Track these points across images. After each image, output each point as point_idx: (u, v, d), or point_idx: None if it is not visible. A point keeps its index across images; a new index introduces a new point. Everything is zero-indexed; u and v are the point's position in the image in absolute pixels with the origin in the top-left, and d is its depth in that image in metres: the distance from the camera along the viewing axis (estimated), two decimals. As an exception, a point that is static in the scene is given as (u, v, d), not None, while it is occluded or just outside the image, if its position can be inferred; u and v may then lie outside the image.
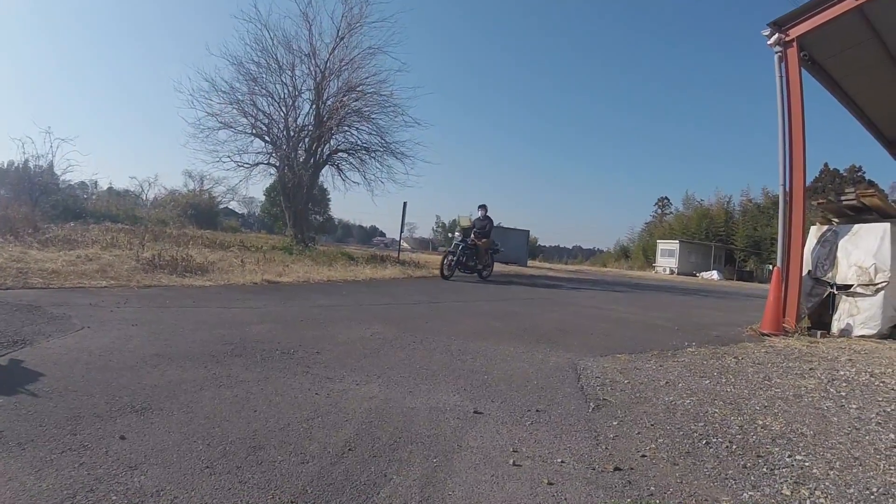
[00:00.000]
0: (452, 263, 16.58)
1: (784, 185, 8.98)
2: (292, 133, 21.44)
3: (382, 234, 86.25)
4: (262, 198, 30.46)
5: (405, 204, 21.93)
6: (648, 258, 47.80)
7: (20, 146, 26.05)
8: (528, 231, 39.70)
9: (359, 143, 22.04)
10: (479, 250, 17.31)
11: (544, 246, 73.02)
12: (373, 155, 21.94)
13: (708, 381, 5.14)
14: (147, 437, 3.05)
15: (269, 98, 21.30)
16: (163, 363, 4.49)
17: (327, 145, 22.00)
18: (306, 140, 21.56)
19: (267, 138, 21.54)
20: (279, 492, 2.59)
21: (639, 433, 3.66)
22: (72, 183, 26.10)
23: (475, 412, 3.89)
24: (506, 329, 7.46)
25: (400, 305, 9.20)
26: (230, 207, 30.08)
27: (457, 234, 17.11)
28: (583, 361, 5.75)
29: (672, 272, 35.70)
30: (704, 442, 3.54)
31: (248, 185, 26.21)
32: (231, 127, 20.87)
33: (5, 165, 25.53)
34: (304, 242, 20.80)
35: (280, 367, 4.67)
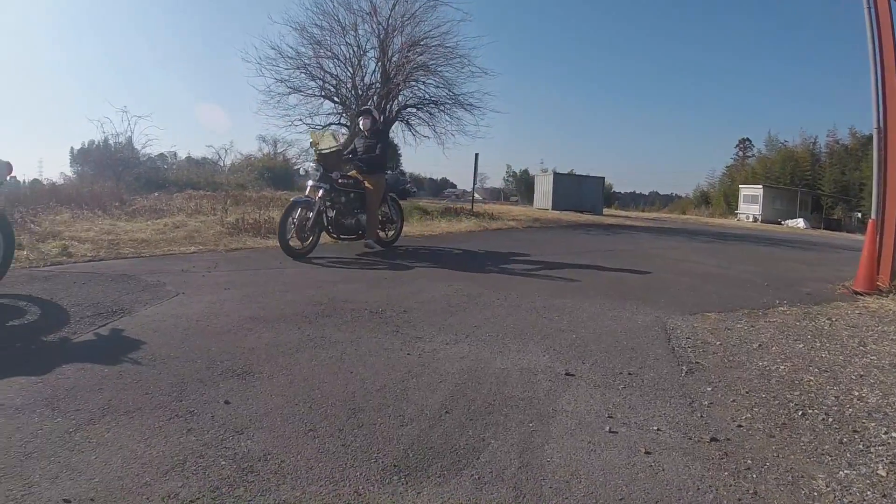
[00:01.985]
0: (307, 224, 8.53)
1: (878, 124, 8.11)
2: (360, 92, 21.38)
3: (453, 186, 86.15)
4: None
5: (476, 155, 21.70)
6: (730, 205, 45.62)
7: (99, 126, 27.16)
8: (603, 178, 38.87)
9: (427, 97, 21.80)
10: (364, 198, 9.48)
11: (619, 193, 71.13)
12: (442, 108, 21.62)
13: (801, 345, 4.94)
14: (250, 401, 3.15)
15: (335, 60, 21.28)
16: (258, 326, 4.62)
17: (395, 101, 21.87)
18: (374, 98, 21.46)
19: (336, 99, 21.61)
20: (381, 455, 2.64)
21: (734, 401, 3.57)
22: (152, 155, 26.81)
23: (567, 374, 3.88)
24: (589, 285, 7.35)
25: (475, 258, 9.25)
26: (304, 167, 30.19)
27: (311, 167, 10.13)
28: (671, 320, 5.63)
29: (755, 220, 34.13)
30: (800, 413, 3.42)
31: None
32: (300, 91, 21.01)
33: (86, 145, 26.40)
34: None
35: (370, 328, 4.75)
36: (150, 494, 2.26)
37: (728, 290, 7.57)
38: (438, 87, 21.38)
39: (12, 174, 5.64)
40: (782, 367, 4.29)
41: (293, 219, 8.53)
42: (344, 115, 21.70)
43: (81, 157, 27.48)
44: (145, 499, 2.23)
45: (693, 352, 4.58)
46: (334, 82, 21.43)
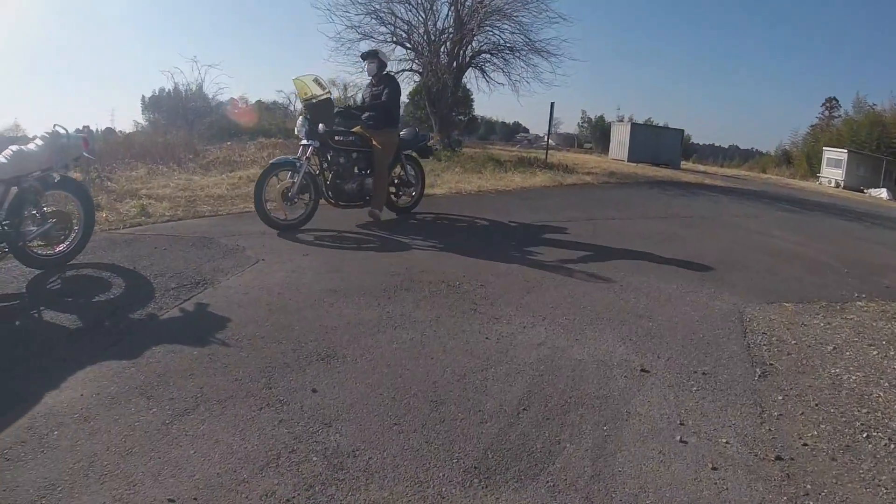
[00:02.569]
0: (291, 190, 7.36)
1: None
2: (433, 38, 21.21)
3: (525, 131, 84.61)
4: (406, 99, 30.48)
5: (552, 105, 21.28)
6: (812, 167, 43.33)
7: (170, 77, 27.39)
8: (682, 131, 37.67)
9: (501, 43, 21.45)
10: (372, 156, 8.12)
11: (697, 144, 68.48)
12: (517, 55, 21.25)
13: (876, 352, 4.73)
14: (336, 388, 3.27)
15: (406, 4, 21.03)
16: (338, 301, 4.76)
17: (469, 47, 21.60)
18: (447, 44, 21.28)
19: (408, 45, 21.49)
20: (462, 455, 2.73)
21: (803, 414, 3.52)
22: (223, 101, 27.17)
23: (642, 370, 3.90)
24: (667, 259, 7.22)
25: (551, 223, 9.11)
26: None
27: (299, 122, 7.93)
28: (749, 309, 5.51)
29: (837, 185, 32.38)
30: (865, 435, 3.32)
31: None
32: (371, 37, 20.85)
33: (157, 93, 26.92)
34: (451, 147, 20.87)
35: (448, 304, 4.83)
36: (249, 493, 2.39)
37: (807, 276, 7.30)
38: (514, 32, 21.02)
39: (90, 149, 5.82)
40: (853, 378, 4.17)
41: (277, 185, 7.48)
42: (416, 61, 21.63)
43: (153, 105, 27.99)
44: (245, 497, 2.37)
45: (768, 350, 4.51)
46: (406, 28, 21.23)
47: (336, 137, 7.86)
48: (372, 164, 8.13)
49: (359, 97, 27.69)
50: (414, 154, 9.19)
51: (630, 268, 6.62)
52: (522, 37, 21.00)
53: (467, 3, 20.78)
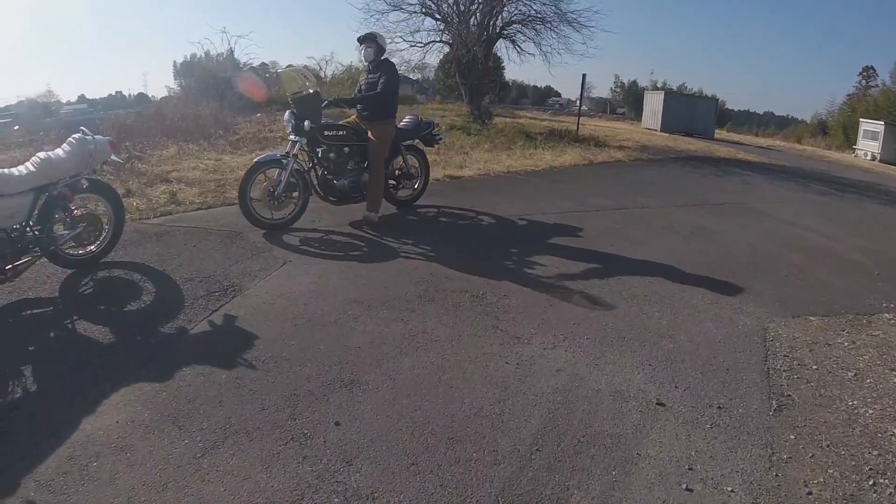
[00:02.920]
0: (277, 189, 7.08)
1: None
2: (462, 8, 21.12)
3: (557, 95, 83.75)
4: (436, 63, 30.29)
5: (584, 77, 21.09)
6: (848, 137, 42.18)
7: (200, 47, 27.80)
8: (717, 100, 37.10)
9: (532, 13, 21.24)
10: (368, 151, 7.78)
11: (732, 110, 66.92)
12: (548, 25, 21.06)
13: None
14: (357, 422, 3.41)
15: (436, -27, 21.00)
16: (363, 314, 4.90)
17: (499, 18, 21.45)
18: (478, 14, 21.17)
19: (437, 16, 21.47)
20: (473, 500, 2.87)
21: (812, 456, 3.52)
22: (254, 66, 27.18)
23: (658, 403, 3.95)
24: (694, 260, 7.20)
25: (580, 215, 9.07)
26: (404, 75, 30.03)
27: (286, 116, 7.51)
28: (772, 325, 5.48)
29: (873, 158, 31.27)
30: (871, 482, 3.32)
31: (423, 63, 26.35)
32: (400, 8, 20.95)
33: (189, 58, 27.02)
34: (482, 119, 20.84)
35: (470, 319, 4.94)
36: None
37: (835, 279, 7.19)
38: (545, 3, 20.84)
39: (117, 150, 5.97)
40: (870, 412, 4.12)
41: (264, 182, 7.13)
42: (446, 31, 21.55)
43: (185, 70, 28.07)
44: (270, 541, 2.54)
45: (788, 378, 4.51)
46: (435, -2, 21.16)
47: (325, 132, 7.51)
48: (365, 157, 7.83)
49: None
50: (418, 144, 8.91)
51: (657, 272, 6.64)
52: (553, 7, 20.85)
53: (497, -28, 20.59)
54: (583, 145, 18.00)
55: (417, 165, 8.87)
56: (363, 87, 7.95)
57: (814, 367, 4.76)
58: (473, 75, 21.83)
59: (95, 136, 5.49)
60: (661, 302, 5.76)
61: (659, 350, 4.75)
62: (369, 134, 7.67)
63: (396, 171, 8.61)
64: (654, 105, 33.69)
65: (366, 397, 3.69)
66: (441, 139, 9.41)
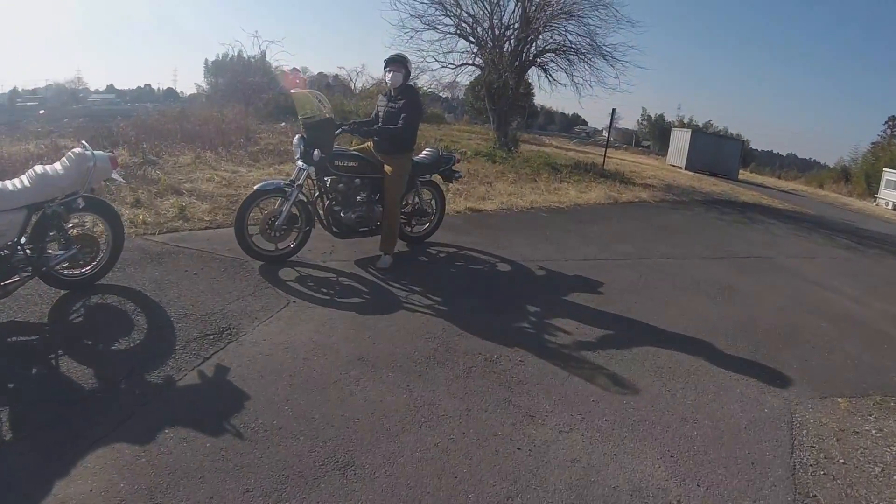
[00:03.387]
0: (277, 220, 6.62)
1: None
2: (497, 32, 20.85)
3: (584, 123, 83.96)
4: (466, 82, 30.04)
5: (614, 111, 20.97)
6: (870, 185, 41.56)
7: (230, 49, 27.54)
8: (743, 141, 36.75)
9: (566, 43, 20.99)
10: (384, 185, 7.21)
11: (756, 150, 66.55)
12: (581, 57, 20.77)
13: None
14: (349, 519, 3.03)
15: (473, -4, 20.82)
16: (365, 375, 4.51)
17: (533, 45, 21.22)
18: (512, 40, 20.94)
19: (472, 39, 21.18)
20: None
21: None
22: (285, 70, 27.19)
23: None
24: (720, 326, 6.74)
25: (603, 264, 8.61)
26: (433, 91, 29.76)
27: (295, 141, 7.03)
28: (800, 409, 5.05)
29: (895, 208, 31.15)
30: None
31: (455, 84, 26.13)
32: (435, 28, 20.76)
33: (220, 57, 26.95)
34: (508, 147, 20.54)
35: (482, 390, 4.53)
36: None
37: (863, 353, 6.71)
38: (580, 35, 20.57)
39: (118, 168, 5.65)
40: None
41: (260, 213, 6.66)
42: (478, 55, 21.31)
43: (215, 69, 28.09)
44: None
45: (814, 474, 4.12)
46: (471, 21, 20.96)
47: (337, 162, 6.89)
48: (380, 189, 7.22)
49: (421, 82, 27.86)
50: (431, 180, 8.26)
51: (682, 341, 6.19)
52: (588, 39, 20.56)
53: (535, 0, 20.37)
54: (608, 181, 17.65)
55: (432, 201, 8.33)
56: (381, 114, 7.24)
57: (841, 460, 4.38)
58: (503, 101, 21.60)
59: (96, 152, 5.19)
60: (685, 377, 5.33)
61: (682, 438, 4.34)
62: (385, 167, 7.11)
63: (409, 207, 8.04)
64: (680, 142, 33.37)
65: (360, 485, 3.29)
66: (460, 176, 8.84)
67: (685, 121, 55.77)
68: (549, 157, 20.84)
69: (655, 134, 57.75)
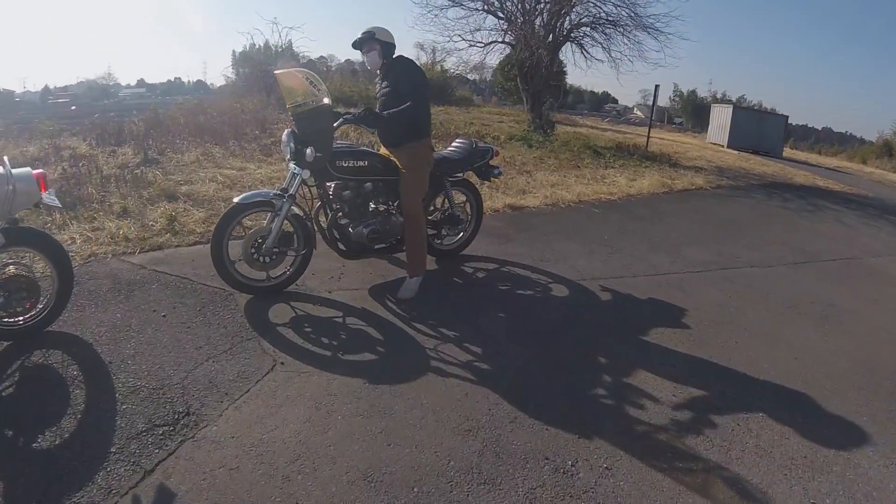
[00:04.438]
0: (265, 241, 4.90)
1: None
2: (528, 6, 18.82)
3: (615, 101, 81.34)
4: (494, 63, 28.10)
5: (657, 88, 18.77)
6: None
7: (249, 38, 26.09)
8: (786, 117, 33.63)
9: (603, 15, 18.75)
10: (400, 188, 5.42)
11: (791, 124, 64.68)
12: (620, 30, 18.58)
13: None
14: None
15: (501, -33, 18.77)
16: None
17: (567, 19, 19.10)
18: (545, 14, 18.91)
19: (500, 14, 19.17)
20: None
21: None
22: (312, 58, 25.97)
23: None
24: (840, 371, 4.83)
25: (677, 279, 6.67)
26: (461, 74, 28.11)
27: (284, 137, 5.10)
28: None
29: None
30: None
31: (483, 65, 24.15)
32: (461, 4, 18.87)
33: (247, 48, 25.54)
34: (543, 129, 18.55)
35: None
36: None
37: None
38: (618, 5, 18.33)
39: (49, 190, 4.08)
40: None
41: (245, 234, 5.15)
42: (508, 32, 19.19)
43: (242, 60, 26.78)
44: None
45: None
46: (499, -6, 18.89)
47: (339, 162, 5.12)
48: (396, 194, 5.51)
49: (448, 64, 25.94)
50: (463, 178, 6.42)
51: (805, 408, 4.25)
52: (628, 10, 18.34)
53: (568, -30, 18.33)
54: (656, 166, 15.68)
55: (466, 204, 6.53)
56: (379, 100, 5.47)
57: None
58: (536, 80, 19.50)
59: (15, 171, 3.79)
60: (826, 472, 3.47)
61: None
62: (397, 163, 5.40)
63: (438, 214, 6.28)
64: (721, 119, 31.17)
65: None
66: (500, 174, 6.78)
67: (718, 96, 53.50)
68: (587, 138, 18.79)
69: (688, 110, 55.39)
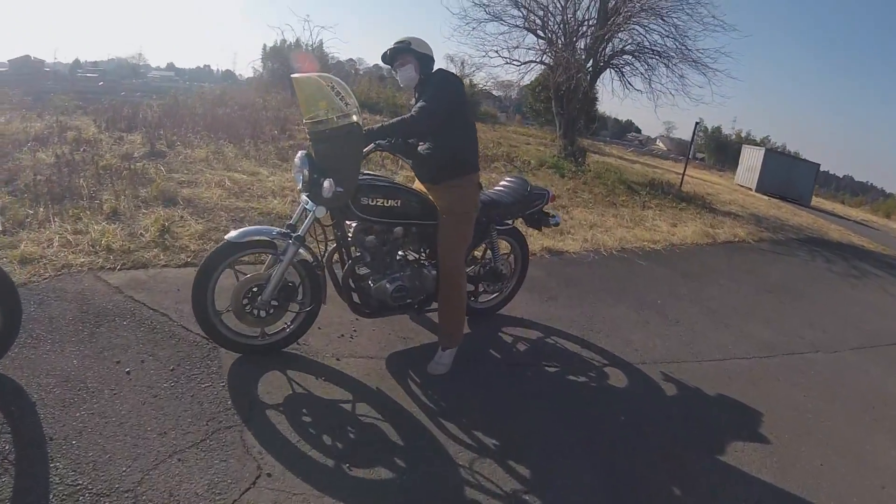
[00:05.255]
0: (262, 292, 3.74)
1: None
2: (570, 28, 17.56)
3: (637, 131, 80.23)
4: (529, 82, 26.93)
5: (697, 125, 17.62)
6: None
7: (279, 34, 25.18)
8: (818, 165, 32.24)
9: (647, 44, 17.41)
10: (438, 237, 4.18)
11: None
12: (665, 61, 17.15)
13: None
14: None
15: (546, -15, 17.54)
16: None
17: (609, 45, 17.85)
18: (587, 38, 17.67)
19: (541, 34, 17.84)
20: None
21: None
22: (341, 60, 25.21)
23: None
24: None
25: (749, 369, 5.53)
26: (486, 90, 27.04)
27: (297, 160, 3.87)
28: None
29: None
30: None
31: (510, 83, 23.01)
32: (501, 19, 17.59)
33: (279, 44, 24.61)
34: (574, 156, 17.33)
35: None
36: None
37: None
38: (666, 35, 17.02)
39: None
40: None
41: (236, 279, 3.84)
42: (548, 52, 17.89)
43: (272, 54, 26.00)
44: None
45: None
46: (542, 13, 17.67)
47: (364, 199, 3.89)
48: (432, 243, 4.32)
49: (476, 79, 24.65)
50: (511, 224, 5.22)
51: None
52: (675, 41, 16.97)
53: (615, -7, 17.17)
54: (691, 207, 14.68)
55: (510, 256, 5.33)
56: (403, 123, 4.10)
57: None
58: (572, 106, 18.27)
59: None
60: None
61: None
62: (435, 201, 4.20)
63: (477, 267, 5.01)
64: (751, 161, 30.07)
65: None
66: (558, 222, 5.58)
67: (742, 135, 52.39)
68: (618, 171, 17.64)
69: (711, 147, 54.24)
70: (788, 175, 28.85)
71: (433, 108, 3.91)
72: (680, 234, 10.80)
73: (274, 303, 3.79)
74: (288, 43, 23.86)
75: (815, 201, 32.85)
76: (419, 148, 4.20)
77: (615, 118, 79.60)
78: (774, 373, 5.59)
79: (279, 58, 22.74)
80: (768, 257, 11.39)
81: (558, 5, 17.65)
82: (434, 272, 4.31)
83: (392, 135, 3.97)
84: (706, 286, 8.02)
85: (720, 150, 51.19)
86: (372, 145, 3.99)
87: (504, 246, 5.22)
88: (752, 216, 16.48)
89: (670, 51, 17.08)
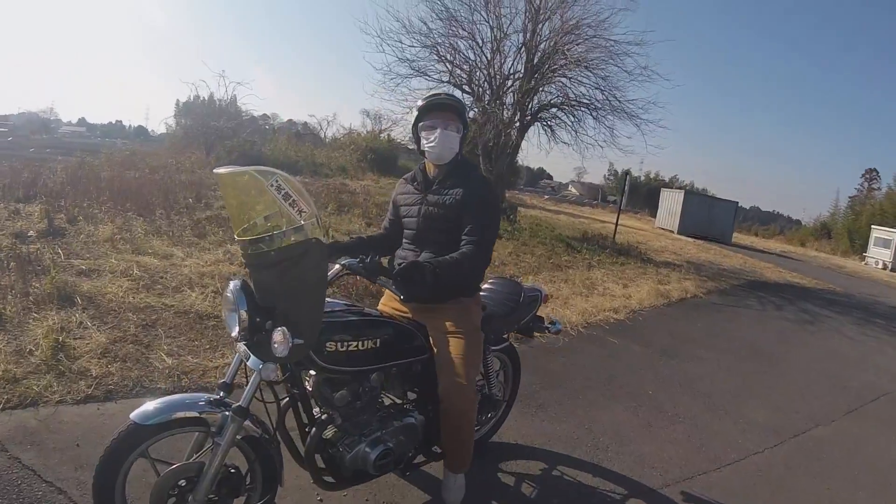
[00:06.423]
0: (189, 492, 2.42)
1: None
2: (497, 82, 17.00)
3: (549, 178, 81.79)
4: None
5: (626, 174, 17.40)
6: (853, 243, 39.35)
7: (193, 89, 24.82)
8: (737, 203, 33.09)
9: (575, 97, 16.90)
10: (438, 363, 3.04)
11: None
12: (593, 113, 16.77)
13: None
14: None
15: (471, 41, 16.92)
16: None
17: (536, 98, 17.32)
18: (514, 93, 17.13)
19: (467, 89, 17.17)
20: None
21: None
22: (254, 114, 24.41)
23: None
24: None
25: (764, 468, 4.70)
26: (405, 144, 26.49)
27: (230, 294, 2.44)
28: None
29: (885, 266, 28.34)
30: None
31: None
32: (426, 74, 16.93)
33: (192, 99, 23.76)
34: (506, 213, 16.68)
35: None
36: None
37: None
38: (595, 87, 16.62)
39: None
40: None
41: (155, 471, 2.47)
42: (474, 107, 17.06)
43: (185, 110, 24.96)
44: None
45: None
46: (467, 68, 17.10)
47: (330, 343, 2.64)
48: (423, 379, 3.17)
49: (395, 133, 23.96)
50: (506, 340, 4.04)
51: None
52: (603, 93, 16.58)
53: (541, 47, 16.72)
54: (630, 260, 14.39)
55: (499, 374, 4.13)
56: (414, 220, 3.19)
57: None
58: (501, 162, 17.53)
59: None
60: None
61: None
62: (437, 328, 3.07)
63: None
64: (671, 204, 30.53)
65: None
66: (559, 329, 4.49)
67: (651, 176, 53.58)
68: (550, 226, 17.16)
69: (621, 188, 55.44)
70: (708, 215, 29.39)
71: (487, 251, 3.08)
72: (636, 297, 10.10)
73: (213, 497, 2.52)
74: (202, 98, 22.89)
75: (736, 237, 33.58)
76: (396, 262, 3.12)
77: (528, 167, 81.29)
78: (790, 464, 4.85)
79: (192, 114, 21.66)
80: (726, 313, 10.88)
81: (484, 59, 17.15)
82: (420, 417, 3.13)
83: (441, 277, 2.81)
84: (686, 363, 7.18)
85: (631, 192, 52.20)
86: (337, 266, 2.90)
87: (496, 362, 4.05)
88: (689, 264, 16.25)
89: (598, 102, 16.71)
